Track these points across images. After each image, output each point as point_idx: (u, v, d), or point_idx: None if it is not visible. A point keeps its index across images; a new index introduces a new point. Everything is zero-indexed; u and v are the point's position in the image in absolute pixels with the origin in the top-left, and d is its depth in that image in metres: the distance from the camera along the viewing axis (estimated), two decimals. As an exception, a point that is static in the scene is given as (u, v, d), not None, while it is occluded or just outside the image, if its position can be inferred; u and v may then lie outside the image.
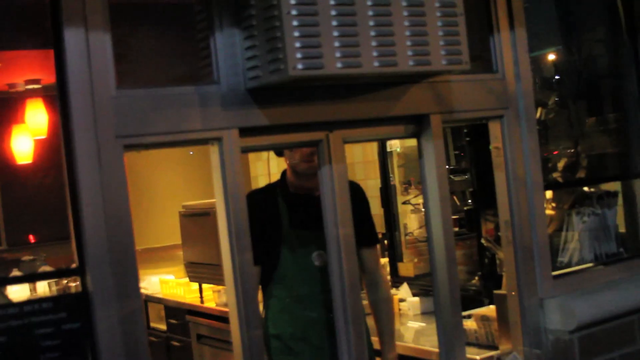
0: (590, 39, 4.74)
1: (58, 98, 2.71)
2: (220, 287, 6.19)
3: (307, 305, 3.77)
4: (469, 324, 4.19)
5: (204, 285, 6.59)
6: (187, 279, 6.82)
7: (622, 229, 4.58)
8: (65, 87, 2.68)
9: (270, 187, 3.99)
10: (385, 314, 3.99)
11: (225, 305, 6.09)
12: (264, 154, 7.53)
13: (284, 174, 3.89)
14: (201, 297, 6.60)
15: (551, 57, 4.59)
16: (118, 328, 2.70)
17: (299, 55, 2.76)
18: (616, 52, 4.62)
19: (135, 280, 2.77)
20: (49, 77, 2.67)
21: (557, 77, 4.62)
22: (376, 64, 2.93)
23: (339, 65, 2.85)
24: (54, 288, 5.50)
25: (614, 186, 4.59)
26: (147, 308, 7.08)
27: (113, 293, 2.70)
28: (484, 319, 4.14)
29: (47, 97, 6.16)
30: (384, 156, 5.67)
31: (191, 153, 8.09)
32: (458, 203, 5.11)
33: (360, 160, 6.36)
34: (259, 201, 3.74)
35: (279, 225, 3.78)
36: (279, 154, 3.95)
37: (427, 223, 3.51)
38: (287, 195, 3.84)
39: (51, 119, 6.19)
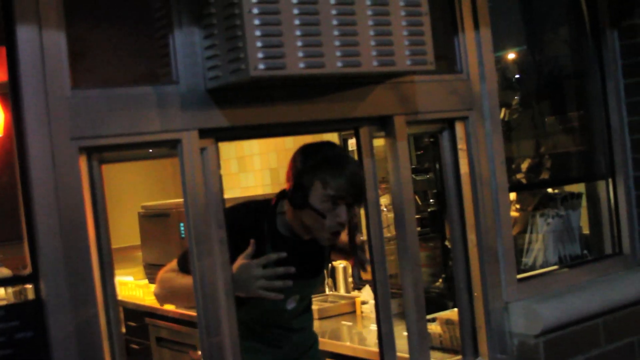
0: (554, 38, 4.72)
1: (11, 97, 2.61)
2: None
3: (271, 342, 3.43)
4: (433, 328, 4.14)
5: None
6: (146, 281, 6.72)
7: (586, 231, 4.57)
8: (18, 86, 2.58)
9: (257, 217, 3.29)
10: None
11: (185, 307, 6.01)
12: (240, 152, 7.46)
13: (274, 209, 3.28)
14: (161, 299, 6.49)
15: (514, 56, 4.56)
16: (74, 337, 2.61)
17: (260, 55, 2.69)
18: (580, 51, 4.60)
19: (92, 287, 2.67)
20: (2, 75, 2.57)
21: (520, 77, 4.58)
22: (339, 64, 2.86)
23: (301, 65, 2.78)
24: (10, 291, 5.38)
25: (578, 187, 4.57)
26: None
27: (68, 300, 2.61)
28: (448, 322, 4.10)
29: (1, 95, 6.02)
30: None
31: (150, 151, 7.98)
32: (420, 203, 5.08)
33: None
34: (242, 233, 3.15)
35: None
36: (299, 206, 3.08)
37: (396, 225, 3.46)
38: (276, 238, 3.26)
39: (6, 118, 6.05)
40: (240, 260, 3.03)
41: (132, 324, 6.71)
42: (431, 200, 5.12)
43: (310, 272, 3.38)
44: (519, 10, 4.58)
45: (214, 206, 2.93)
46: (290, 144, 6.63)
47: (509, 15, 4.49)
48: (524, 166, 4.51)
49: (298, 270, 3.15)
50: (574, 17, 4.59)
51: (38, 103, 2.59)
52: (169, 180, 7.96)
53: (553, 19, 4.67)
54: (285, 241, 3.24)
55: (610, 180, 4.48)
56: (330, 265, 5.58)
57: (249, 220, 3.25)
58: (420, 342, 3.45)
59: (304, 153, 3.18)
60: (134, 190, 7.71)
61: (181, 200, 2.98)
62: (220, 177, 2.98)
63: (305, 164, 3.09)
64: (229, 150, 7.56)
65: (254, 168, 7.35)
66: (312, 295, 3.53)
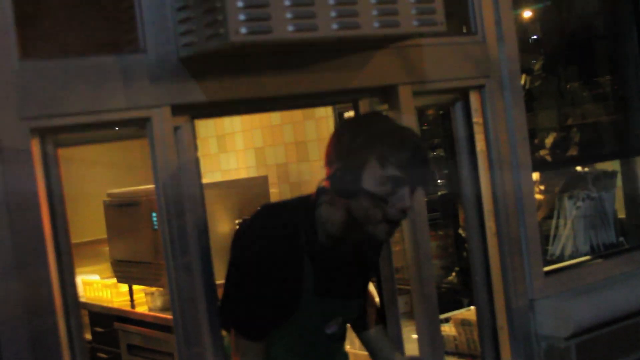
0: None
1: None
2: (153, 289, 6.03)
3: None
4: (447, 330, 4.10)
5: (135, 287, 6.43)
6: (114, 280, 6.65)
7: (621, 215, 4.52)
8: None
9: (292, 222, 2.83)
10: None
11: (160, 310, 5.96)
12: (220, 130, 7.40)
13: (313, 208, 2.86)
14: (132, 300, 6.44)
15: (537, 14, 4.49)
16: (28, 351, 2.55)
17: (242, 17, 2.61)
18: (612, 9, 4.54)
19: (49, 292, 2.61)
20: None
21: (543, 38, 4.52)
22: (335, 26, 2.78)
23: (290, 28, 2.70)
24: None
25: (612, 165, 4.52)
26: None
27: (21, 309, 2.54)
28: (464, 323, 4.05)
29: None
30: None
31: (117, 129, 7.91)
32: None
33: (314, 139, 6.24)
34: (278, 246, 2.76)
35: (298, 287, 2.83)
36: (349, 194, 2.65)
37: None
38: (315, 246, 2.83)
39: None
40: None
41: (99, 329, 6.65)
42: (439, 181, 5.06)
43: (354, 288, 3.08)
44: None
45: (190, 194, 2.87)
46: (277, 120, 6.55)
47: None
48: (549, 141, 4.46)
49: (341, 283, 2.93)
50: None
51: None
52: (138, 163, 7.89)
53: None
54: (327, 249, 2.86)
55: (649, 156, 4.44)
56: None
57: (286, 238, 2.80)
58: (432, 346, 3.40)
59: (352, 125, 2.82)
60: (98, 176, 7.62)
61: (153, 186, 2.90)
62: (197, 160, 2.92)
63: (357, 138, 2.65)
64: (207, 128, 7.48)
65: (236, 148, 7.27)
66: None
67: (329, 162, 2.74)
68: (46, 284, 2.60)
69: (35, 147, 2.63)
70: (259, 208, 2.87)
